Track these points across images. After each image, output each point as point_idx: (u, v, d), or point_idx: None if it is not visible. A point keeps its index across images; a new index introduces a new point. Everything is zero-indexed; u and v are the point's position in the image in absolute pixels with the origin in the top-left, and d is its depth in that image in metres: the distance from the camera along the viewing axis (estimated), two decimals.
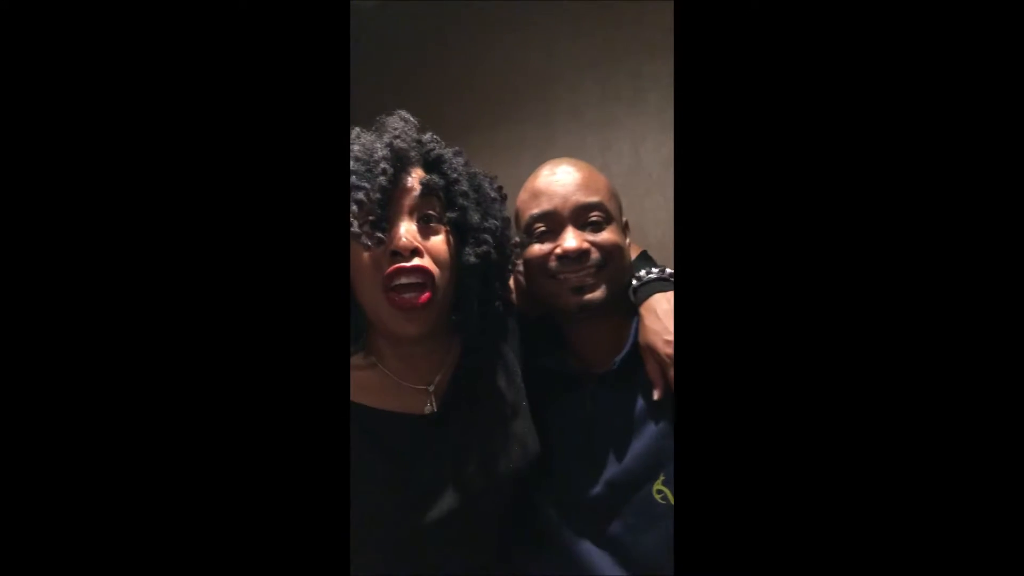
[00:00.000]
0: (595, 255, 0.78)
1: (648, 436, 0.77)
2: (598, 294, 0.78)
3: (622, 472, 0.77)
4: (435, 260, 0.69)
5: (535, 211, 0.80)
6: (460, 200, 0.73)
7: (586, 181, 0.81)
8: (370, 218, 0.67)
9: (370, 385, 0.75)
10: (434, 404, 0.76)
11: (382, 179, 0.67)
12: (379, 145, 0.70)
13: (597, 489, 0.78)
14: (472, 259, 0.72)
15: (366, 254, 0.68)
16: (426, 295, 0.68)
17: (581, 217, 0.79)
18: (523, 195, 0.83)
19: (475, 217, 0.73)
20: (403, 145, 0.71)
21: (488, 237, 0.74)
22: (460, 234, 0.74)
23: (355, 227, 0.66)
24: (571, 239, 0.77)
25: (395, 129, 0.73)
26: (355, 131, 0.74)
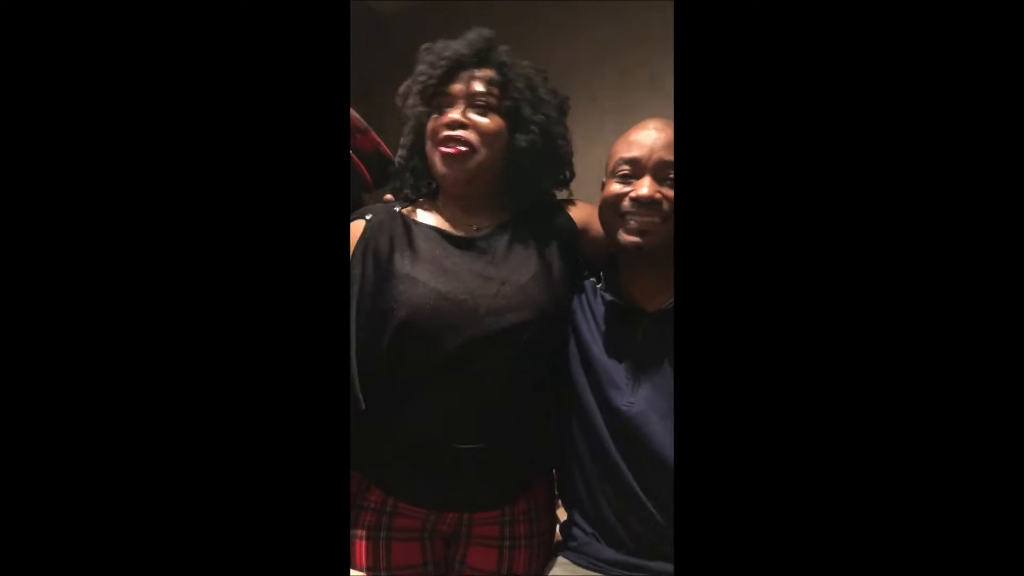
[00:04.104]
0: (666, 206, 0.85)
1: None
2: (655, 240, 0.86)
3: (663, 397, 0.84)
4: (478, 132, 0.90)
5: (623, 155, 0.89)
6: (514, 94, 0.92)
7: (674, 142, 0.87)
8: (423, 92, 0.94)
9: (425, 214, 0.97)
10: (476, 232, 0.94)
11: (436, 71, 0.92)
12: (451, 48, 0.93)
13: (637, 407, 0.85)
14: (522, 143, 0.92)
15: (432, 123, 0.93)
16: (462, 148, 0.90)
17: (661, 171, 0.86)
18: (620, 140, 0.92)
19: (527, 110, 0.92)
20: (466, 53, 0.93)
21: (535, 128, 0.92)
22: (513, 123, 0.92)
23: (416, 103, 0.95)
24: (646, 186, 0.86)
25: (468, 40, 0.94)
26: (443, 43, 0.96)
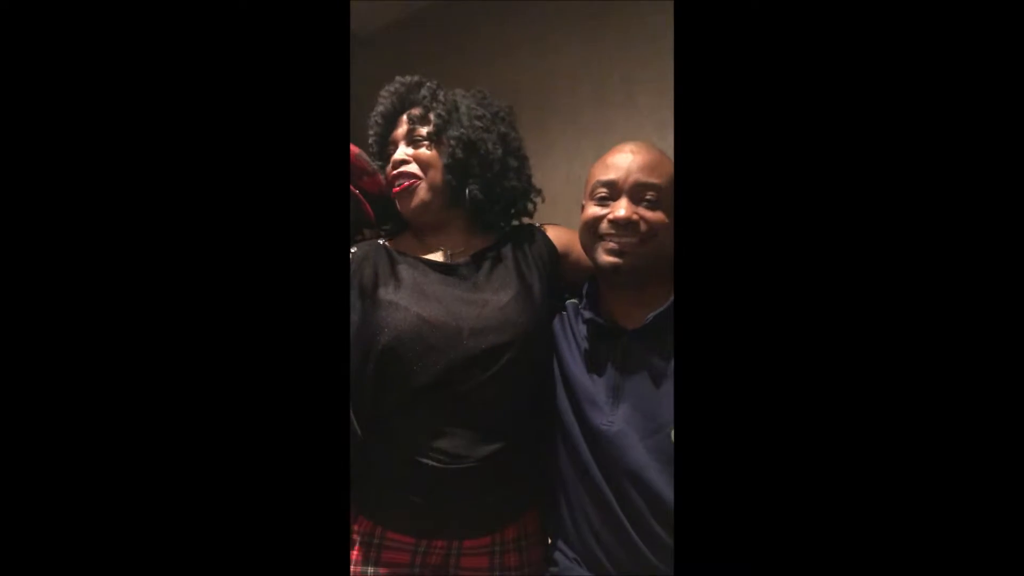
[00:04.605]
0: (643, 227, 0.87)
1: (671, 388, 0.83)
2: (634, 261, 0.87)
3: (643, 416, 0.84)
4: (419, 165, 0.99)
5: (600, 177, 0.91)
6: (436, 120, 0.99)
7: (652, 164, 0.89)
8: (374, 148, 1.06)
9: (407, 244, 1.03)
10: (449, 258, 0.99)
11: (376, 128, 1.06)
12: (380, 104, 1.05)
13: (617, 427, 0.85)
14: (447, 159, 0.98)
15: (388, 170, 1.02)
16: (407, 183, 0.98)
17: (638, 193, 0.87)
18: (597, 163, 0.94)
19: (449, 130, 0.99)
20: (393, 102, 1.04)
21: (454, 142, 0.98)
22: (439, 145, 0.99)
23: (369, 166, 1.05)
24: (623, 208, 0.87)
25: (391, 91, 1.05)
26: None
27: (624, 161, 0.89)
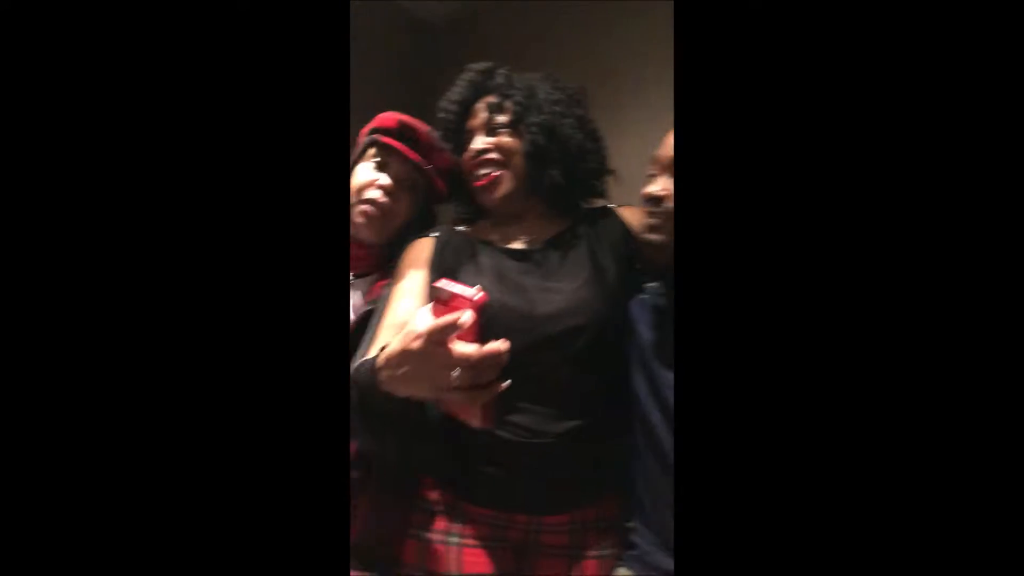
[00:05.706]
0: (669, 203, 0.85)
1: None
2: (661, 238, 0.87)
3: None
4: (500, 152, 0.99)
5: (653, 153, 0.90)
6: (515, 108, 1.00)
7: None
8: (448, 136, 1.06)
9: (485, 231, 1.04)
10: (526, 244, 1.00)
11: (450, 116, 1.05)
12: (454, 92, 1.06)
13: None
14: (528, 147, 0.98)
15: (464, 160, 1.02)
16: (493, 175, 0.99)
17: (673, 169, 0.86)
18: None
19: (529, 116, 0.99)
20: (466, 91, 1.05)
21: (535, 128, 0.98)
22: (520, 133, 1.00)
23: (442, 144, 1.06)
24: (657, 184, 0.87)
25: (465, 79, 1.05)
26: (450, 90, 1.07)
27: (668, 137, 0.88)
